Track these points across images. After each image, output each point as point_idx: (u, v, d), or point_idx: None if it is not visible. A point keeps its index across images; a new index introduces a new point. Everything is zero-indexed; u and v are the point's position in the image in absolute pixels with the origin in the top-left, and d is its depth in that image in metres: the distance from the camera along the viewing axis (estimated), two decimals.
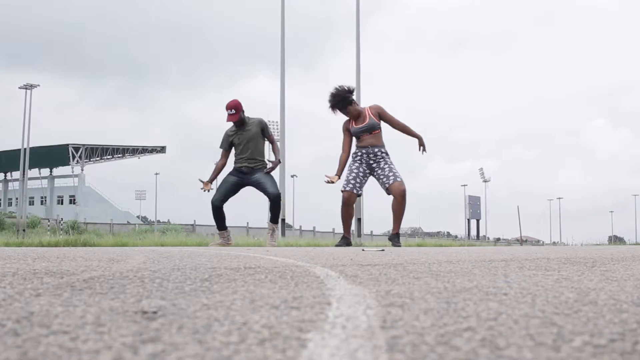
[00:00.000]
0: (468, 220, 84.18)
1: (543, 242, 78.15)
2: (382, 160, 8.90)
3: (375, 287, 1.67)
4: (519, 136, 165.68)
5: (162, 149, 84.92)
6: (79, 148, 75.85)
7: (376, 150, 8.89)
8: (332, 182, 8.97)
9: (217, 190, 9.33)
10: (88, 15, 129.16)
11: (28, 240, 12.53)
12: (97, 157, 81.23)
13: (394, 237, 9.05)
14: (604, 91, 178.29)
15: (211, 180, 9.45)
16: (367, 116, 8.93)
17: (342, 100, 8.88)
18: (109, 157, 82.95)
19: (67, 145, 75.09)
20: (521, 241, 45.18)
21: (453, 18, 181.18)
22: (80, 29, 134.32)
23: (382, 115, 9.00)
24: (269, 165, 9.24)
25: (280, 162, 9.37)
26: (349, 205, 8.98)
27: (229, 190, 9.25)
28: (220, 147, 9.48)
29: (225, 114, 9.10)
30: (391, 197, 8.85)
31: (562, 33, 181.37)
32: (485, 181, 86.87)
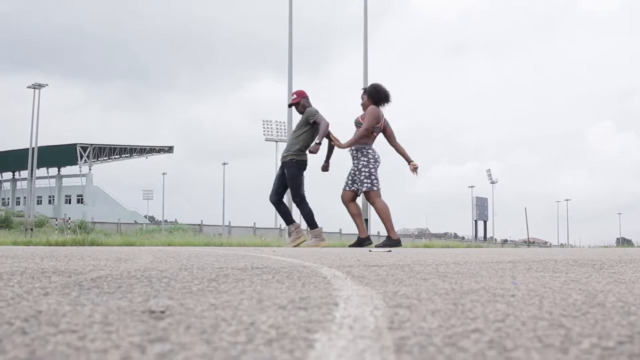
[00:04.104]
0: (475, 221, 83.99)
1: (550, 243, 77.92)
2: (353, 160, 8.91)
3: (383, 288, 1.67)
4: (526, 138, 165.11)
5: (170, 149, 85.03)
6: (87, 148, 76.04)
7: (352, 150, 8.90)
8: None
9: None
10: (95, 19, 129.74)
11: (36, 239, 12.59)
12: (105, 156, 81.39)
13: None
14: (609, 93, 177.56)
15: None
16: (362, 114, 8.93)
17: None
18: (116, 156, 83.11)
19: (75, 144, 75.29)
20: (529, 243, 45.05)
21: (458, 23, 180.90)
22: (87, 33, 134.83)
23: (364, 118, 8.90)
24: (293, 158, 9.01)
25: (318, 144, 8.82)
26: (343, 203, 8.96)
27: (276, 183, 9.14)
28: None
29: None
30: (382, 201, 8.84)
31: (565, 36, 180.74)
32: (492, 183, 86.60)
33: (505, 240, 76.05)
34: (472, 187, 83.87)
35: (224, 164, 68.75)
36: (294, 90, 12.76)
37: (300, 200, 8.94)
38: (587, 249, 17.09)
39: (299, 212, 9.24)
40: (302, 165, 8.98)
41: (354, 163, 8.85)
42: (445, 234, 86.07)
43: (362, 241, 8.89)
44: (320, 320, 1.06)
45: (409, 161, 9.13)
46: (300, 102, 9.12)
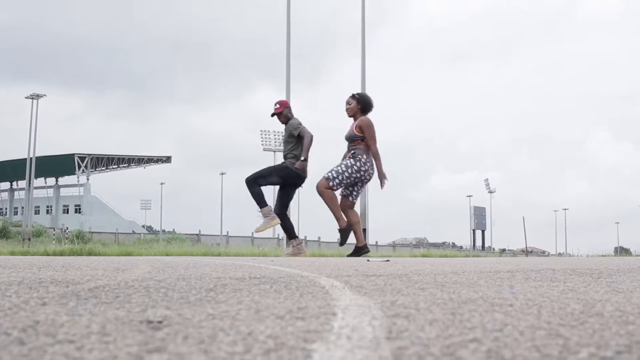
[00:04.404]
0: (473, 230, 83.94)
1: (549, 253, 77.91)
2: (348, 157, 8.87)
3: (381, 297, 1.66)
4: (524, 147, 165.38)
5: (168, 159, 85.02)
6: (85, 157, 76.08)
7: (352, 152, 8.84)
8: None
9: None
10: (94, 28, 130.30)
11: (33, 249, 12.57)
12: (103, 166, 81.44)
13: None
14: (608, 102, 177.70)
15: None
16: (352, 126, 8.87)
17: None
18: (114, 166, 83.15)
19: (73, 154, 75.33)
20: (527, 252, 45.02)
21: (457, 28, 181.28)
22: (86, 42, 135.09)
23: (359, 130, 8.82)
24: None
25: (303, 161, 8.79)
26: (342, 211, 8.93)
27: (278, 194, 9.12)
28: None
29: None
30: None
31: (565, 43, 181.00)
32: (490, 192, 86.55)
33: (504, 250, 76.00)
34: (470, 196, 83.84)
35: (222, 173, 68.78)
36: (290, 98, 12.67)
37: (252, 182, 8.82)
38: (585, 258, 17.10)
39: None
40: (294, 176, 8.87)
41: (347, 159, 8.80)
42: (444, 243, 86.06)
43: (360, 249, 8.88)
44: (318, 330, 1.06)
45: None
46: (282, 112, 9.10)
